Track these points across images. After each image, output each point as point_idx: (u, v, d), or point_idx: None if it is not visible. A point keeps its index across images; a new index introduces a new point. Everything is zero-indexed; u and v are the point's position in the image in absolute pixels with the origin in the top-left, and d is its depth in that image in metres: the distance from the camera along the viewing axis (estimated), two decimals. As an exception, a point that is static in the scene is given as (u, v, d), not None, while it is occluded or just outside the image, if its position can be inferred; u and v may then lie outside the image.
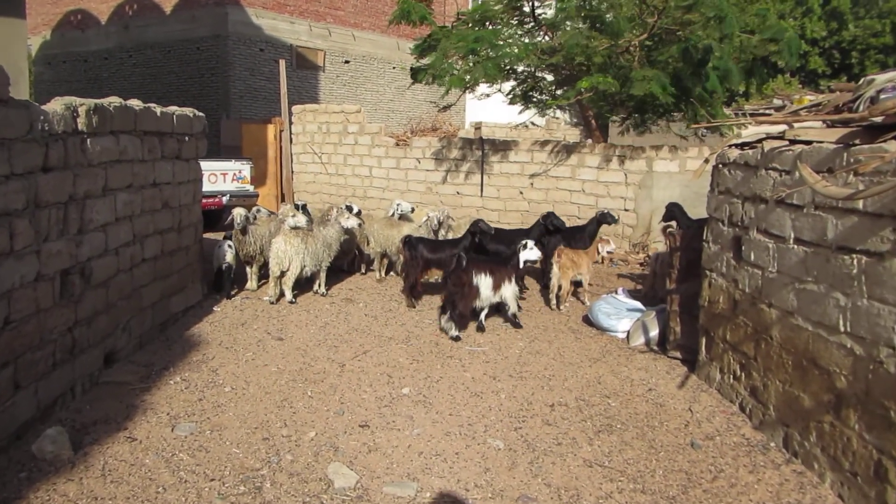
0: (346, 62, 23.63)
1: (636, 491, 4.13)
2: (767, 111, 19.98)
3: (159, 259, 6.68)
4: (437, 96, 26.57)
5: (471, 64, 11.09)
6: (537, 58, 10.84)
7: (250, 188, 13.89)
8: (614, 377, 6.08)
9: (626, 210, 11.89)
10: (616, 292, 8.43)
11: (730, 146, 5.75)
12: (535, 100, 14.22)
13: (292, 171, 16.26)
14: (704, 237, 6.07)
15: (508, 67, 11.41)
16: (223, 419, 4.90)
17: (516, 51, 10.39)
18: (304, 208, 10.28)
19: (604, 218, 9.41)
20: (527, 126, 19.61)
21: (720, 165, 5.80)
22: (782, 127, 4.79)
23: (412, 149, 14.33)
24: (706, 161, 5.95)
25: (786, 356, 4.70)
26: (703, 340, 6.04)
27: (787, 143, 4.94)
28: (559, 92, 12.71)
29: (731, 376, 5.51)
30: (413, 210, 10.46)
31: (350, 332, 7.11)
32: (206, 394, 5.34)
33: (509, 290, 7.23)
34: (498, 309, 7.59)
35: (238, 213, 8.15)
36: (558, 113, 24.21)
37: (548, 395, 5.58)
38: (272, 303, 7.96)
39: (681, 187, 11.59)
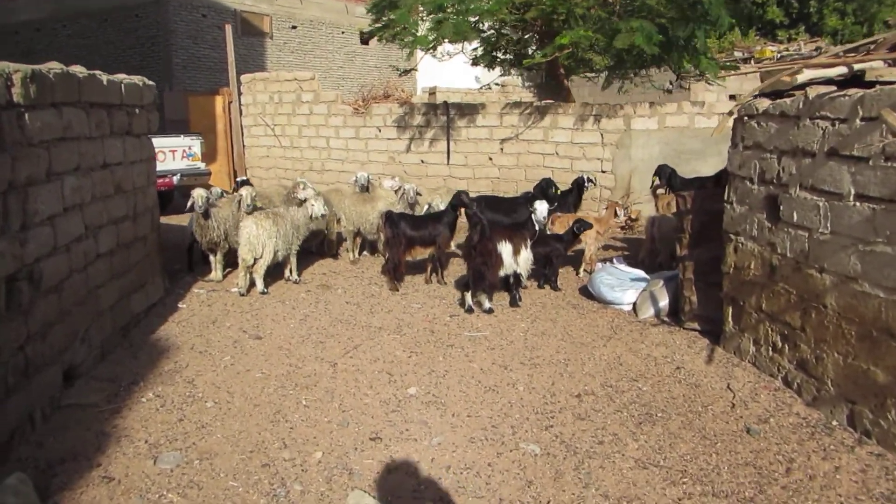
0: (294, 27, 22.38)
1: (706, 494, 3.58)
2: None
3: (116, 253, 5.81)
4: (390, 61, 25.52)
5: (438, 21, 10.25)
6: (509, 12, 10.08)
7: (202, 165, 12.88)
8: (634, 356, 5.53)
9: (603, 172, 11.35)
10: (612, 261, 7.90)
11: (756, 96, 5.17)
12: (500, 60, 13.51)
13: (244, 146, 15.22)
14: (726, 198, 5.52)
15: (477, 24, 10.61)
16: (211, 443, 4.15)
17: (488, 5, 9.59)
18: (245, 182, 9.44)
19: (583, 181, 8.87)
20: (482, 90, 18.89)
21: (745, 118, 5.22)
22: (839, 69, 4.21)
23: (372, 117, 13.47)
24: (729, 113, 5.36)
25: (847, 326, 4.19)
26: (730, 310, 5.53)
27: (833, 88, 4.39)
28: (531, 50, 11.99)
29: (771, 348, 5.01)
30: (369, 179, 9.59)
31: (334, 323, 6.38)
32: (187, 412, 4.57)
33: (524, 257, 6.64)
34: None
35: (199, 194, 7.28)
36: (513, 75, 23.47)
37: (570, 384, 4.99)
38: (242, 294, 7.16)
39: (661, 145, 11.11)
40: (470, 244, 6.47)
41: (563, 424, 4.35)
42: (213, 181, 13.93)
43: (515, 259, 6.63)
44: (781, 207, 4.77)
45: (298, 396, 4.79)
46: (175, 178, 12.27)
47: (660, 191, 8.88)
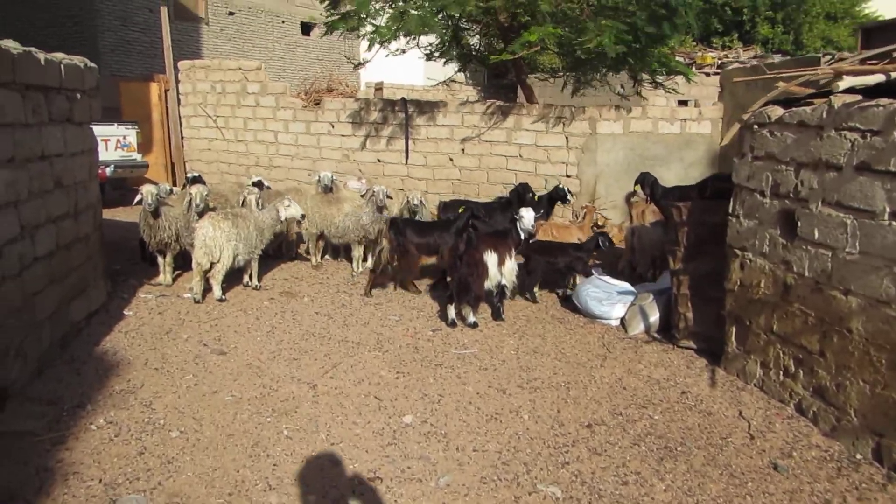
0: (231, 14, 21.34)
1: (752, 546, 3.25)
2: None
3: (55, 256, 5.10)
4: (332, 54, 24.68)
5: (401, 12, 9.71)
6: (476, 6, 9.63)
7: (138, 157, 11.99)
8: (636, 378, 5.21)
9: (567, 176, 11.05)
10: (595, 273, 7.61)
11: (768, 103, 4.91)
12: (457, 55, 13.10)
13: (182, 137, 14.30)
14: (731, 210, 5.25)
15: (442, 16, 10.10)
16: (181, 484, 3.58)
17: (456, -5, 9.13)
18: (196, 180, 8.75)
19: (557, 194, 8.49)
20: (431, 88, 18.45)
21: (755, 126, 4.96)
22: (877, 77, 3.96)
23: (324, 111, 12.82)
24: (739, 121, 5.08)
25: (876, 353, 3.95)
26: (733, 330, 5.27)
27: (860, 97, 4.15)
28: (489, 47, 11.60)
29: (782, 373, 4.76)
30: (333, 179, 8.93)
31: (305, 337, 5.82)
32: (147, 443, 3.97)
33: (509, 267, 6.25)
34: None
35: (148, 191, 6.58)
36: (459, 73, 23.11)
37: (577, 411, 4.61)
38: (197, 301, 6.50)
39: (625, 150, 10.92)
40: (456, 253, 6.02)
41: (579, 461, 3.97)
42: (151, 174, 13.06)
43: (500, 270, 6.23)
44: (799, 223, 4.52)
45: (278, 425, 4.25)
46: (108, 170, 11.35)
47: (634, 198, 8.64)
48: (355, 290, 7.24)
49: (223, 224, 6.39)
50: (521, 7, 9.49)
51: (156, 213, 6.63)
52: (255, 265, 7.05)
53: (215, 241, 6.33)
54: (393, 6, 10.13)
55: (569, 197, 8.43)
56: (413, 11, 9.52)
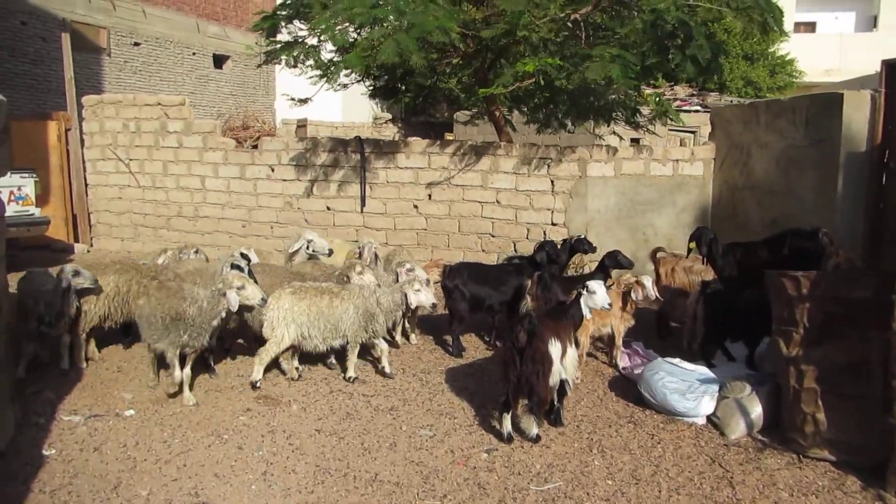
0: (136, 44, 19.07)
1: None
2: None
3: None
4: (247, 88, 22.78)
5: (371, 39, 8.17)
6: (461, 32, 8.24)
7: (36, 212, 9.77)
8: (793, 517, 3.83)
9: (553, 224, 9.79)
10: (636, 348, 6.29)
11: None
12: (402, 91, 11.76)
13: (86, 184, 12.09)
14: (901, 286, 4.02)
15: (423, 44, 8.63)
16: None
17: (439, 20, 7.70)
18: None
19: (579, 245, 7.07)
20: (374, 125, 17.10)
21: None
22: None
23: (262, 153, 11.03)
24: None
25: None
26: (909, 442, 4.00)
27: None
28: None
29: None
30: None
31: (320, 478, 4.09)
32: None
33: (571, 358, 4.77)
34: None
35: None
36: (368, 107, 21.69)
37: (764, 592, 3.17)
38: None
39: (617, 195, 9.77)
40: (515, 345, 4.47)
41: None
42: (52, 231, 10.83)
43: (562, 362, 4.74)
44: None
45: None
46: (-2, 230, 9.10)
47: (660, 254, 7.37)
48: (354, 388, 5.55)
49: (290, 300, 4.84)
50: (511, 35, 8.18)
51: None
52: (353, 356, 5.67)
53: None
54: (360, 32, 8.61)
55: (583, 246, 6.99)
56: (393, 37, 7.97)
